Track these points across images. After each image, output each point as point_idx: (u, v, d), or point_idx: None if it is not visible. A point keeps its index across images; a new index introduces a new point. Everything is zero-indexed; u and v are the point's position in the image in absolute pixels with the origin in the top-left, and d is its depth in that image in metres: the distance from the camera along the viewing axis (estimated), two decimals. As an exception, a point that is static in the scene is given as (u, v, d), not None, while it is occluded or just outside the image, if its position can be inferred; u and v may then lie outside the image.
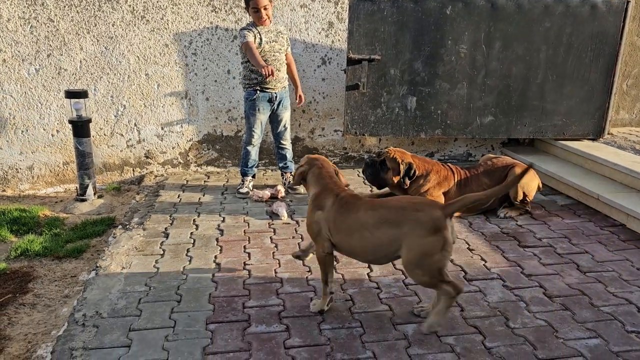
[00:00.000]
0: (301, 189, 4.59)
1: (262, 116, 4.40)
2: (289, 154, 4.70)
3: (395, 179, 4.00)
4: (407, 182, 3.98)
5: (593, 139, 5.17)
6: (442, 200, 3.97)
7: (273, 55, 4.26)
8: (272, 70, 3.92)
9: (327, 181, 2.72)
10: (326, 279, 2.72)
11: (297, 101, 4.68)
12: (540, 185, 4.21)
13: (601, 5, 4.79)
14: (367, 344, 2.52)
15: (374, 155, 4.48)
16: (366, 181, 4.41)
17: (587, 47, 4.90)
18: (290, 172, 4.73)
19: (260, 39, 4.16)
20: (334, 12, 5.01)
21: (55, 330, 2.69)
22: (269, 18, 4.15)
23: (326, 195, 2.67)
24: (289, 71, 4.56)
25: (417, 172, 3.98)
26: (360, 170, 4.70)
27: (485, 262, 3.36)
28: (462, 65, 4.85)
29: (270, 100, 4.39)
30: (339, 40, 5.08)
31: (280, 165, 4.76)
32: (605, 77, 4.99)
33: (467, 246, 3.58)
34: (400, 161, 3.97)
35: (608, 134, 5.30)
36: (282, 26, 4.59)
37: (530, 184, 4.08)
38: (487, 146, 5.67)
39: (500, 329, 2.65)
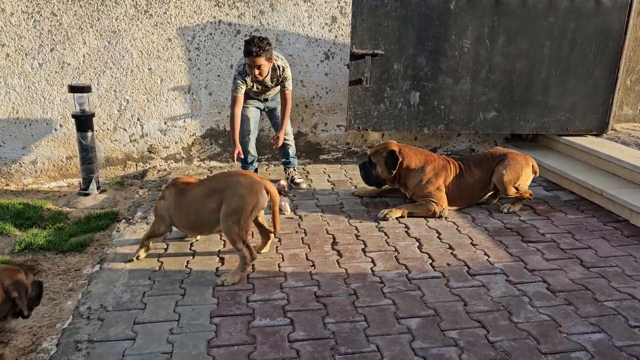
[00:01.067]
0: (304, 184, 4.62)
1: (251, 112, 4.41)
2: (292, 149, 4.70)
3: (387, 174, 4.03)
4: (393, 172, 3.99)
5: (597, 135, 5.16)
6: (443, 189, 3.98)
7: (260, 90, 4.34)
8: (237, 156, 4.24)
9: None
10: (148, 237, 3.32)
11: (273, 141, 4.45)
12: (537, 169, 4.18)
13: (605, 0, 4.77)
14: (371, 337, 2.53)
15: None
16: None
17: (591, 42, 4.88)
18: (294, 168, 4.73)
19: (252, 85, 4.21)
20: (337, 6, 4.99)
21: (60, 323, 2.71)
22: (261, 76, 4.03)
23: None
24: (281, 109, 4.41)
25: (400, 159, 3.97)
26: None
27: (489, 257, 3.36)
28: (465, 61, 4.83)
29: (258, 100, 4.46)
30: (342, 35, 5.07)
31: (283, 160, 4.76)
32: (609, 73, 4.98)
33: (471, 241, 3.58)
34: (382, 153, 4.01)
35: (612, 129, 5.28)
36: (282, 61, 4.22)
37: (520, 178, 4.04)
38: (490, 142, 5.67)
39: (504, 323, 2.65)
